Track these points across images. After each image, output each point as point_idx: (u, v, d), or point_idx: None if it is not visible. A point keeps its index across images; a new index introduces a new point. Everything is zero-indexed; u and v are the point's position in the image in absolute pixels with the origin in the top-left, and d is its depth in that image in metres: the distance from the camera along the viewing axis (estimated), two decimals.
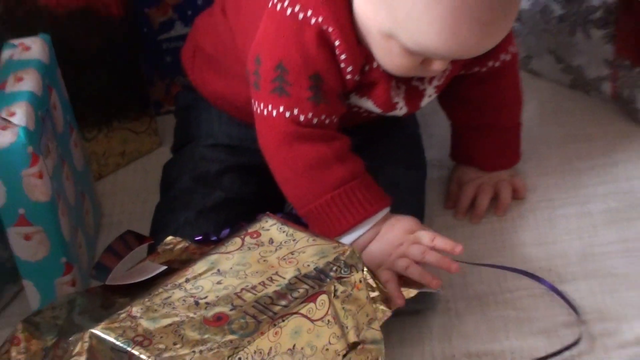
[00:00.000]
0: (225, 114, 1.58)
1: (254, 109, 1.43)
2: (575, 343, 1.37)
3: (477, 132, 1.60)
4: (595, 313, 1.43)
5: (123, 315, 1.19)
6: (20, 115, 1.37)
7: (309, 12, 1.37)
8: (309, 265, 1.23)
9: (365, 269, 1.25)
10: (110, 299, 1.28)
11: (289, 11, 1.38)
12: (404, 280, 1.37)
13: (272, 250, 1.25)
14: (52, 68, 1.50)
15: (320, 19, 1.37)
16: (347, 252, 1.23)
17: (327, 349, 1.19)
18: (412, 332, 1.42)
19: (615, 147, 1.65)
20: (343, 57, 1.39)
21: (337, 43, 1.38)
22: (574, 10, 1.65)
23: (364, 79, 1.44)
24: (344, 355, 1.21)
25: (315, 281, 1.20)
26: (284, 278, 1.21)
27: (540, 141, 1.68)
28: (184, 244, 1.35)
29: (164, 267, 1.29)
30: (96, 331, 1.17)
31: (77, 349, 1.19)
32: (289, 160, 1.42)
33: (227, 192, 1.53)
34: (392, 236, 1.41)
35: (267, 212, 1.33)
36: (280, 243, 1.26)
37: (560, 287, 1.46)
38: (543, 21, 1.70)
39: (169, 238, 1.37)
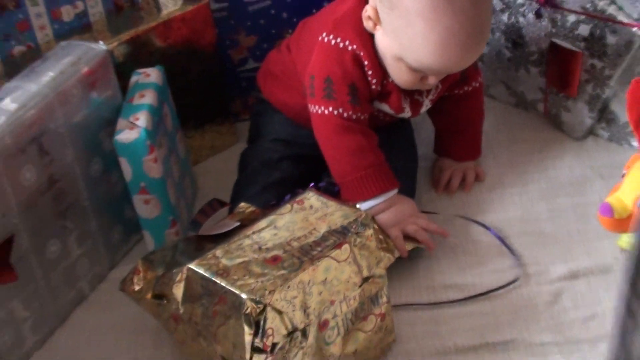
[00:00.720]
0: (285, 118, 1.58)
1: (311, 111, 1.45)
2: (515, 280, 1.38)
3: (452, 134, 1.61)
4: (531, 259, 1.43)
5: (209, 256, 1.20)
6: (142, 119, 1.39)
7: (347, 42, 1.41)
8: (336, 224, 1.24)
9: (375, 227, 1.25)
10: (201, 244, 1.29)
11: (332, 42, 1.42)
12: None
13: (311, 213, 1.26)
14: (164, 89, 1.51)
15: (354, 46, 1.41)
16: (363, 216, 1.24)
17: (348, 281, 1.20)
18: (405, 271, 1.41)
19: (546, 147, 1.65)
20: (370, 72, 1.42)
21: (365, 63, 1.41)
22: (519, 54, 1.65)
23: (383, 89, 1.45)
24: (360, 286, 1.22)
25: (341, 234, 1.22)
26: (319, 232, 1.22)
27: (495, 142, 1.67)
28: (252, 209, 1.35)
29: (238, 224, 1.30)
30: (192, 266, 1.19)
31: (178, 277, 1.20)
32: (337, 145, 1.45)
33: (283, 173, 1.53)
34: (405, 209, 1.43)
35: (310, 186, 1.34)
36: (317, 208, 1.27)
37: (506, 241, 1.46)
38: (497, 61, 1.70)
39: (242, 204, 1.36)
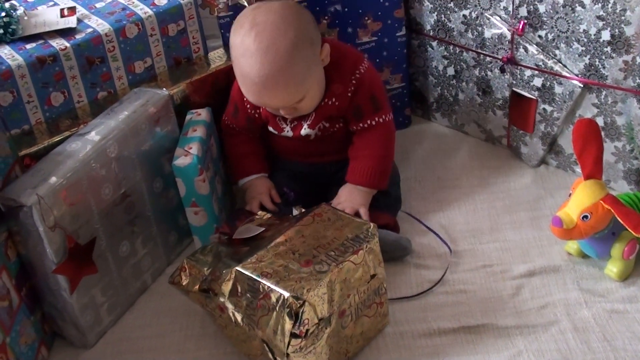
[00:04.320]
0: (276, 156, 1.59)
1: None
2: (446, 269, 1.40)
3: (350, 160, 1.49)
4: (498, 260, 1.42)
5: (253, 260, 1.19)
6: (195, 148, 1.38)
7: None
8: (352, 233, 1.22)
9: (374, 234, 1.23)
10: (235, 247, 1.27)
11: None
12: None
13: (330, 225, 1.25)
14: (212, 125, 1.50)
15: None
16: (371, 227, 1.23)
17: (360, 279, 1.20)
18: (396, 267, 1.41)
19: (509, 172, 1.63)
20: (245, 99, 1.43)
21: (245, 98, 1.43)
22: (487, 100, 1.64)
23: (261, 115, 1.48)
24: (368, 282, 1.22)
25: (356, 242, 1.21)
26: (340, 240, 1.21)
27: (468, 169, 1.64)
28: (268, 215, 1.35)
29: (262, 229, 1.28)
30: (239, 268, 1.18)
31: (227, 277, 1.20)
32: (225, 142, 1.55)
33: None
34: (254, 191, 1.50)
35: (324, 203, 1.32)
36: (334, 221, 1.25)
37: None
38: (471, 105, 1.68)
39: (260, 212, 1.37)
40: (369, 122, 1.45)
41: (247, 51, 1.31)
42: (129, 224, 1.36)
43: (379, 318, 1.27)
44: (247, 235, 1.28)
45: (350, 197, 1.45)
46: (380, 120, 1.46)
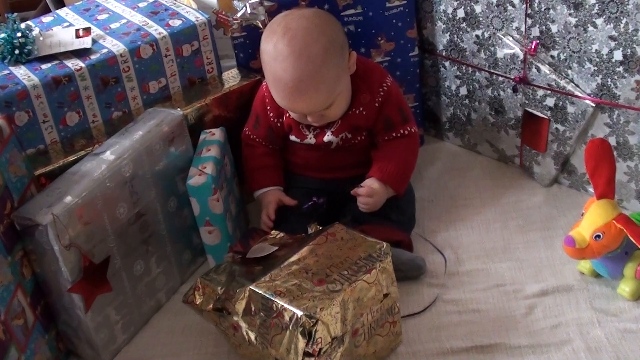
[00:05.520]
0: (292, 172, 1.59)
1: None
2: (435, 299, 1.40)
3: (376, 160, 1.50)
4: (511, 279, 1.42)
5: (267, 279, 1.20)
6: (209, 168, 1.39)
7: (265, 86, 1.47)
8: (365, 252, 1.23)
9: (387, 253, 1.24)
10: (248, 266, 1.28)
11: (263, 85, 1.50)
12: None
13: (343, 244, 1.25)
14: (225, 144, 1.51)
15: (266, 92, 1.46)
16: (384, 246, 1.24)
17: (373, 298, 1.21)
18: (410, 286, 1.41)
19: (521, 192, 1.63)
20: (268, 108, 1.48)
21: (267, 100, 1.47)
22: (500, 120, 1.65)
23: (284, 124, 1.49)
24: (381, 301, 1.22)
25: (369, 262, 1.21)
26: (352, 259, 1.21)
27: (481, 189, 1.65)
28: (281, 234, 1.35)
29: (275, 248, 1.29)
30: (253, 287, 1.19)
31: (241, 296, 1.20)
32: (243, 153, 1.56)
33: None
34: (264, 202, 1.51)
35: (337, 222, 1.32)
36: (347, 240, 1.26)
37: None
38: (483, 125, 1.69)
39: (273, 232, 1.37)
40: (401, 131, 1.49)
41: (280, 55, 1.34)
42: (143, 243, 1.37)
43: (392, 337, 1.27)
44: (261, 254, 1.29)
45: (380, 191, 1.45)
46: (412, 130, 1.50)
